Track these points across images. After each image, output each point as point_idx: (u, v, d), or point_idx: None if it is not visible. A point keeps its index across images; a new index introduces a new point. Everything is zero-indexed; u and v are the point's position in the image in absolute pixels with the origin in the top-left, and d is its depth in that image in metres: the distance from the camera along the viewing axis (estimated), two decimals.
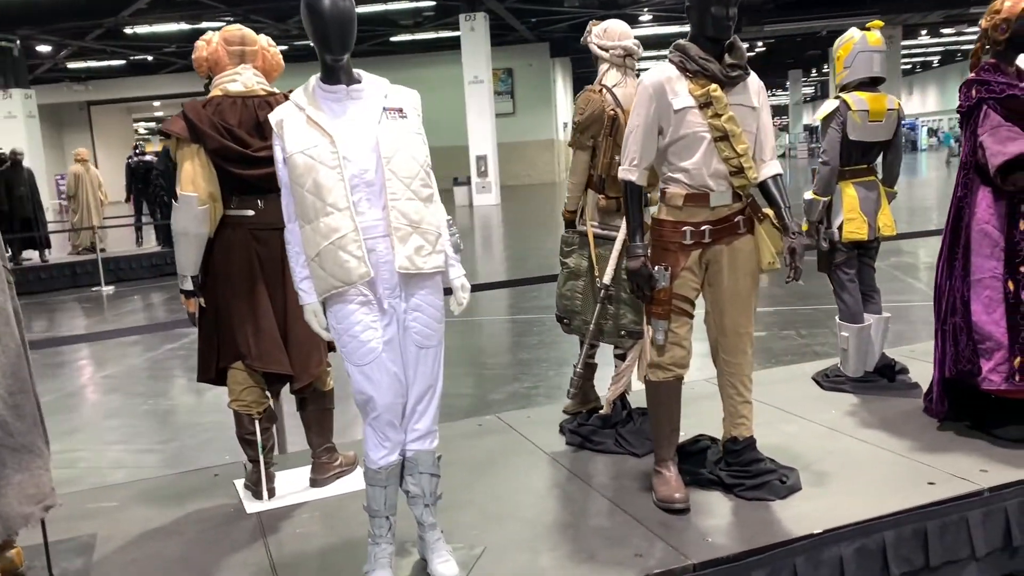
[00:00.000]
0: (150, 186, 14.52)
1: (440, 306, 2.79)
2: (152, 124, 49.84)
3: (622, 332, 3.92)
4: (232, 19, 27.25)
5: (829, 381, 4.59)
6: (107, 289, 13.07)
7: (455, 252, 2.85)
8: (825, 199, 4.39)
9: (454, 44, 25.30)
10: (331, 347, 3.73)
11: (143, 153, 15.15)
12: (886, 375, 4.52)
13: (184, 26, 27.01)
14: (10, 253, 13.45)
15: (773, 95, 57.88)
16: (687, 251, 3.20)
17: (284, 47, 29.54)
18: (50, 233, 14.23)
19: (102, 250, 14.73)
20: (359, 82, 2.78)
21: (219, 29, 3.60)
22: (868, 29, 4.39)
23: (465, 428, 4.40)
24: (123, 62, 33.10)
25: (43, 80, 34.88)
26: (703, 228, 3.18)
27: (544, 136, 33.89)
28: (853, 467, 3.52)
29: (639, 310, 3.90)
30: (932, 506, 3.15)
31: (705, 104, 3.11)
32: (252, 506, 3.51)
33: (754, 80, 3.27)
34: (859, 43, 4.34)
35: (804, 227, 4.50)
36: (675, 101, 3.13)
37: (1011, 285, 3.56)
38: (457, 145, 25.56)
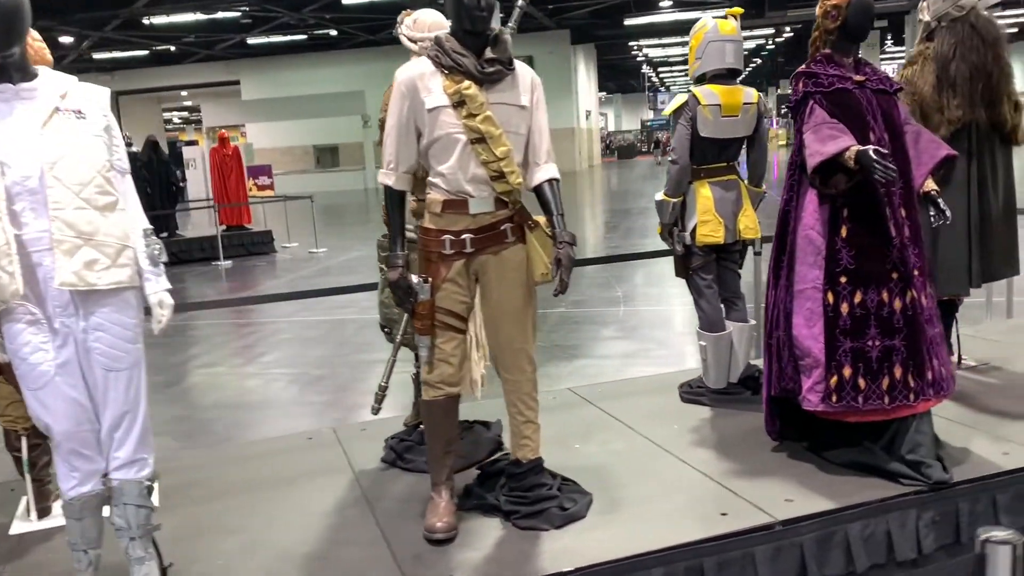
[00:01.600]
0: (135, 178, 14.45)
1: (132, 325, 2.59)
2: (184, 113, 50.30)
3: None
4: (247, 8, 27.37)
5: (689, 392, 4.32)
6: None
7: (153, 265, 2.65)
8: (675, 200, 4.10)
9: None
10: None
11: (130, 144, 15.09)
12: (750, 387, 4.25)
13: (200, 16, 27.13)
14: None
15: None
16: (448, 261, 2.97)
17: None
18: None
19: None
20: (34, 79, 2.56)
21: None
22: (725, 17, 4.09)
23: (293, 442, 4.21)
24: (146, 52, 33.35)
25: (70, 71, 35.14)
26: (464, 237, 2.94)
27: (564, 125, 33.52)
28: (657, 492, 3.27)
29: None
30: (711, 541, 2.89)
31: (459, 103, 2.86)
32: (18, 527, 3.35)
33: (526, 77, 3.01)
34: (710, 32, 4.05)
35: (659, 230, 4.23)
36: (428, 99, 2.89)
37: (831, 297, 3.26)
38: None
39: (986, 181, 4.24)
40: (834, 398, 3.21)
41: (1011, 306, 6.21)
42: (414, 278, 2.98)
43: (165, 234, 14.66)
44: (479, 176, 2.90)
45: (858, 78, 3.38)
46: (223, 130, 15.82)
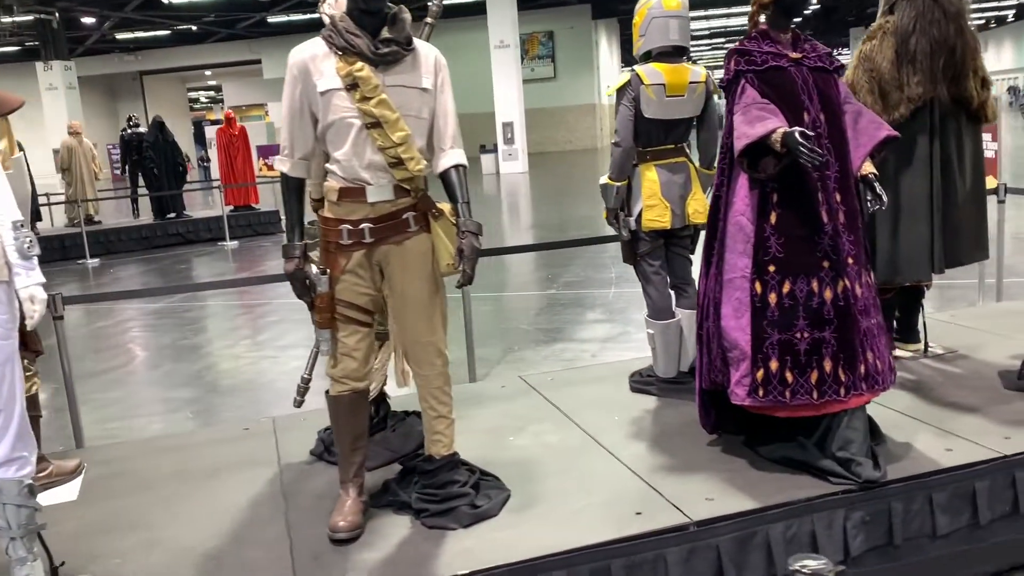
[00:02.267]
0: (142, 158, 14.52)
1: (3, 321, 2.50)
2: (210, 93, 50.43)
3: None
4: None
5: (638, 382, 4.18)
6: (92, 262, 13.15)
7: (23, 259, 2.56)
8: (619, 184, 3.95)
9: (480, 8, 24.76)
10: (38, 352, 3.51)
11: (137, 125, 15.14)
12: None
13: None
14: None
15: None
16: (347, 252, 2.85)
17: None
18: (41, 206, 14.32)
19: (97, 222, 14.90)
20: None
21: None
22: None
23: (229, 432, 4.13)
24: (168, 32, 33.39)
25: (95, 51, 35.52)
26: (363, 226, 2.83)
27: (586, 101, 33.15)
28: (578, 488, 3.15)
29: (383, 309, 3.57)
30: (619, 542, 2.77)
31: (352, 86, 2.74)
32: None
33: (428, 58, 2.88)
34: (654, 8, 3.87)
35: (604, 214, 4.08)
36: (320, 82, 2.77)
37: (759, 287, 3.10)
38: (483, 112, 25.13)
39: (951, 161, 4.04)
40: (761, 392, 3.07)
41: (1001, 289, 5.98)
42: (313, 269, 2.87)
43: (173, 214, 14.70)
44: (376, 163, 2.78)
45: (794, 55, 3.21)
46: (229, 110, 15.76)
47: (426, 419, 3.06)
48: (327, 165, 2.87)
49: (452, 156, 2.89)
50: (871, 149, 3.19)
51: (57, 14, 27.23)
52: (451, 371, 3.05)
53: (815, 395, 3.03)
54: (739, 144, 3.04)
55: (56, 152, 16.23)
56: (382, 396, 3.72)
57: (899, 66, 3.93)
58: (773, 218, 3.11)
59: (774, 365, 3.05)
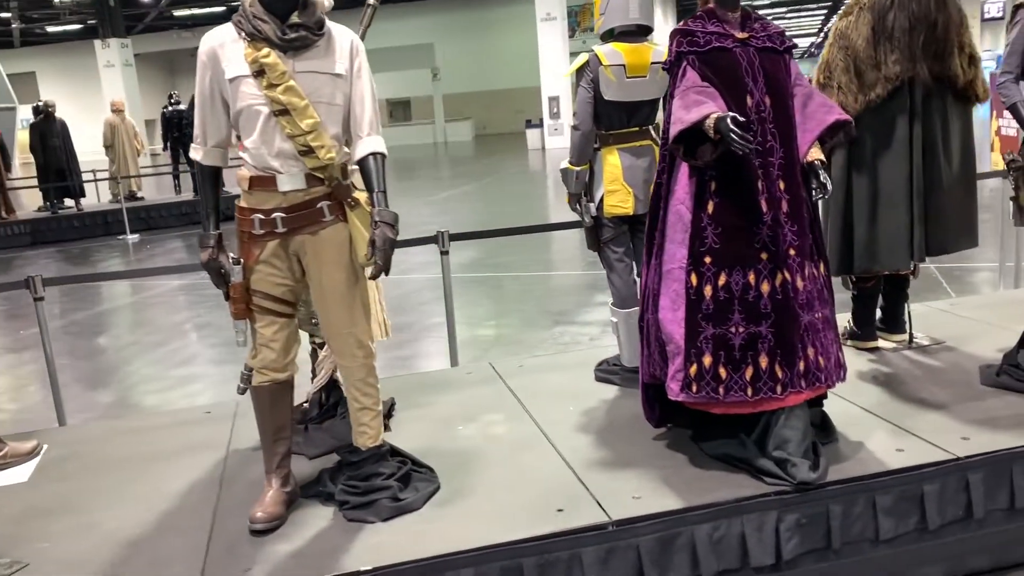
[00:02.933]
0: (182, 135, 14.72)
1: None
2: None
3: (313, 320, 3.57)
4: None
5: (603, 371, 4.09)
6: (132, 237, 13.42)
7: None
8: (579, 169, 3.84)
9: None
10: None
11: (178, 103, 15.35)
12: None
13: None
14: (47, 202, 13.98)
15: None
16: (260, 242, 2.82)
17: None
18: (86, 182, 14.67)
19: (140, 198, 15.19)
20: None
21: None
22: None
23: (190, 416, 4.15)
24: (223, 8, 33.76)
25: (154, 28, 36.13)
26: (274, 216, 2.78)
27: None
28: (508, 482, 3.09)
29: None
30: (532, 540, 2.70)
31: (259, 72, 2.68)
32: None
33: (344, 42, 2.81)
34: None
35: (567, 199, 3.97)
36: (228, 68, 2.72)
37: (694, 279, 2.98)
38: (529, 86, 24.95)
39: (935, 144, 3.84)
40: (694, 388, 2.96)
41: (1020, 274, 5.73)
42: (229, 258, 2.84)
43: None
44: (286, 151, 2.73)
45: (740, 35, 3.06)
46: None
47: (351, 410, 3.02)
48: (240, 153, 2.83)
49: (369, 143, 2.82)
50: (819, 134, 3.03)
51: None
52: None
53: (750, 392, 2.91)
54: (674, 130, 2.92)
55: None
56: (334, 383, 3.69)
57: (876, 43, 3.74)
58: (710, 207, 2.98)
59: (707, 360, 2.94)
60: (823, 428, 3.24)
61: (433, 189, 17.63)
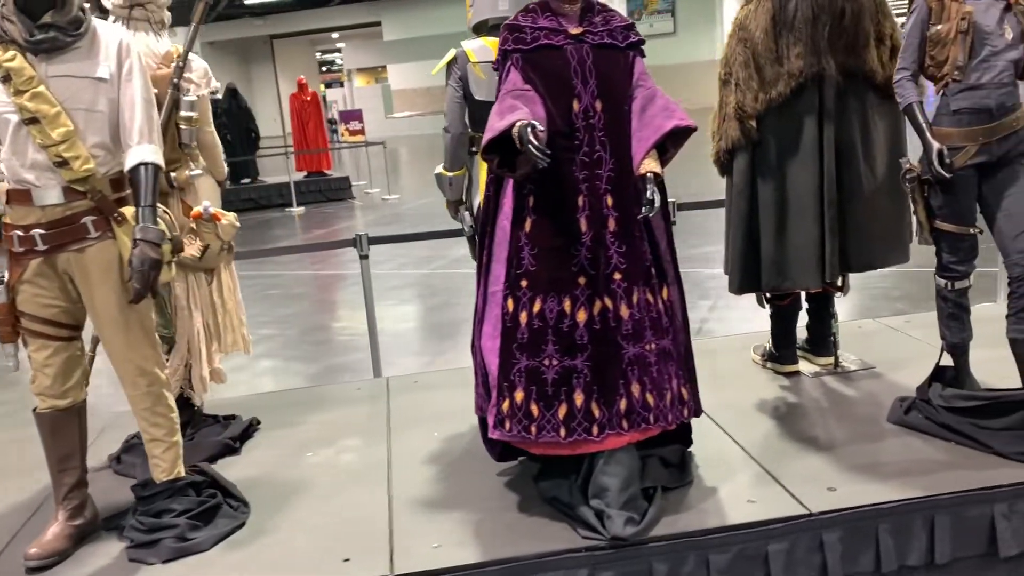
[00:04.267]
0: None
1: None
2: (335, 56, 51.34)
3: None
4: None
5: None
6: None
7: None
8: (454, 174, 3.54)
9: None
10: None
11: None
12: None
13: None
14: None
15: None
16: (22, 260, 2.61)
17: None
18: None
19: None
20: None
21: None
22: None
23: None
24: None
25: (227, 16, 36.74)
26: (33, 233, 2.57)
27: (707, 57, 31.67)
28: (317, 524, 2.84)
29: (163, 312, 3.34)
30: None
31: (5, 78, 2.47)
32: None
33: (110, 44, 2.58)
34: None
35: (445, 206, 3.68)
36: None
37: (511, 304, 2.67)
38: None
39: (852, 147, 3.42)
40: (507, 425, 2.65)
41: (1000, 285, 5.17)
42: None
43: (248, 180, 14.94)
44: (40, 162, 2.51)
45: (575, 31, 2.72)
46: (301, 76, 15.85)
47: (144, 441, 2.81)
48: None
49: (138, 153, 2.58)
50: (655, 142, 2.66)
51: None
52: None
53: (563, 433, 2.59)
54: (484, 139, 2.60)
55: None
56: (183, 402, 3.48)
57: (776, 35, 3.34)
58: (528, 225, 2.67)
59: (519, 396, 2.63)
60: (680, 468, 2.90)
61: None
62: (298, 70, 42.12)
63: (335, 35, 42.77)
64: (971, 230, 2.94)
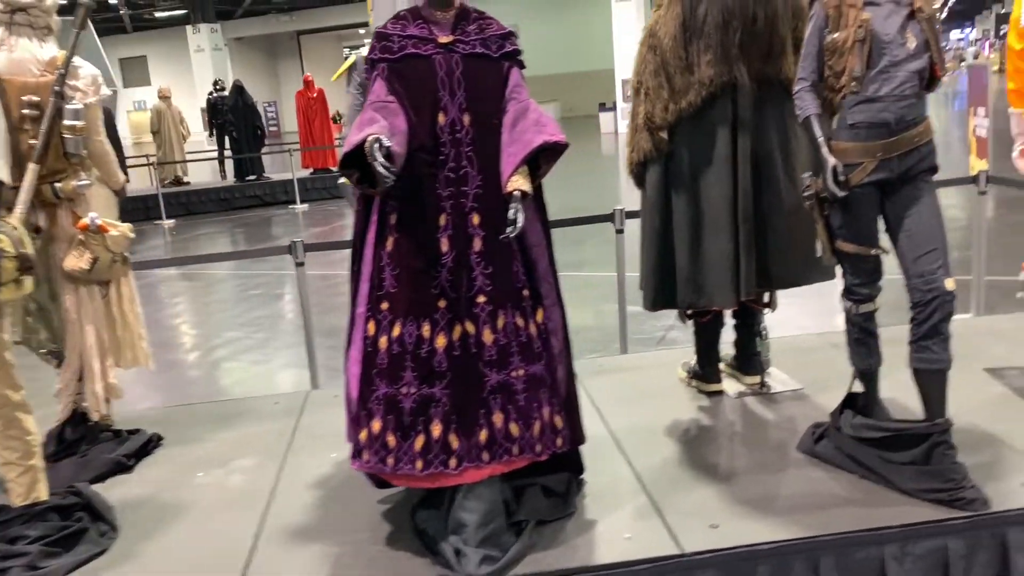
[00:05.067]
0: (224, 122, 14.83)
1: None
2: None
3: (42, 350, 3.31)
4: None
5: None
6: (168, 222, 13.60)
7: None
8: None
9: None
10: None
11: (223, 89, 15.46)
12: None
13: None
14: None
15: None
16: None
17: None
18: (131, 167, 14.92)
19: (186, 183, 15.40)
20: None
21: None
22: None
23: None
24: None
25: (253, 12, 36.91)
26: None
27: None
28: (174, 556, 2.73)
29: (50, 325, 3.26)
30: None
31: None
32: None
33: None
34: None
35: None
36: None
37: (372, 327, 2.54)
38: (603, 69, 24.23)
39: (771, 159, 3.26)
40: (365, 456, 2.53)
41: (980, 301, 4.97)
42: None
43: (253, 176, 14.95)
44: None
45: (444, 39, 2.58)
46: (308, 74, 15.81)
47: None
48: None
49: None
50: (524, 158, 2.51)
51: None
52: None
53: (419, 465, 2.46)
54: (341, 154, 2.48)
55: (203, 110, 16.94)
56: (80, 416, 3.40)
57: (686, 42, 3.18)
58: (389, 244, 2.54)
59: (376, 425, 2.50)
60: (564, 498, 2.76)
61: None
62: (325, 66, 42.28)
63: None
64: (872, 251, 2.76)
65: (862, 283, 2.80)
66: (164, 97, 15.10)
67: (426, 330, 2.46)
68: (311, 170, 15.18)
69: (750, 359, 3.66)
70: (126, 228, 3.30)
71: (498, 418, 2.48)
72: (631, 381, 3.92)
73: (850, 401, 2.98)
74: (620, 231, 4.61)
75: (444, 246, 2.48)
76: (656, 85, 3.22)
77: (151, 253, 11.59)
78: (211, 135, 15.71)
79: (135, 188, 14.94)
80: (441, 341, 2.46)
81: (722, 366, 3.74)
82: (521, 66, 2.68)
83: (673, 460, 3.07)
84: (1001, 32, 43.64)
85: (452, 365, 2.46)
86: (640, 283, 3.48)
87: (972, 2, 52.52)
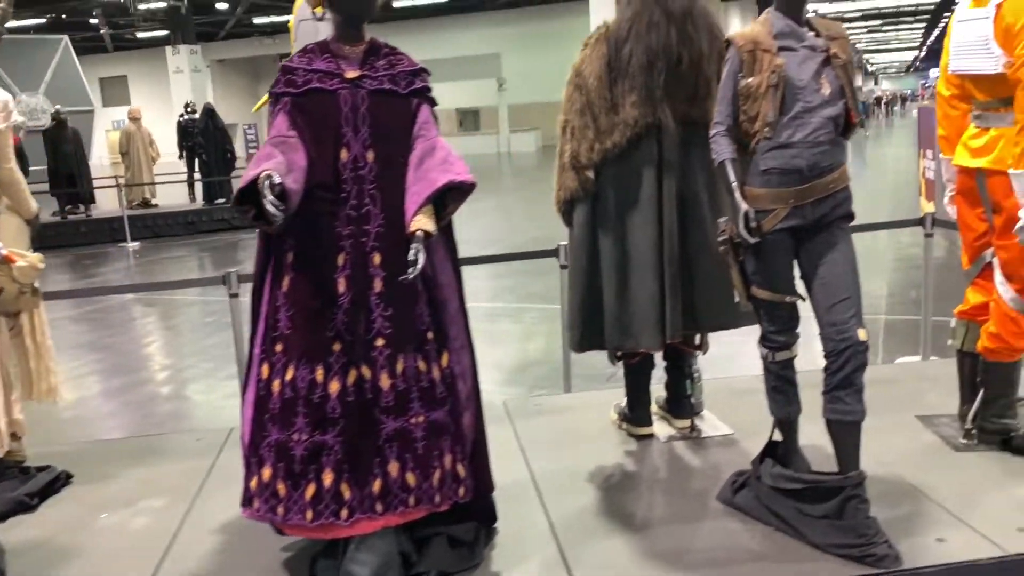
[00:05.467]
0: (193, 144, 14.75)
1: None
2: None
3: None
4: None
5: None
6: (133, 245, 13.47)
7: None
8: None
9: None
10: None
11: (193, 111, 15.38)
12: None
13: None
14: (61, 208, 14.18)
15: None
16: None
17: None
18: (96, 188, 14.83)
19: (154, 205, 15.29)
20: None
21: None
22: None
23: None
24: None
25: (237, 35, 36.95)
26: None
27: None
28: None
29: None
30: None
31: None
32: None
33: None
34: (301, 10, 3.25)
35: None
36: None
37: (266, 370, 2.46)
38: None
39: (697, 200, 3.21)
40: (255, 504, 2.44)
41: (927, 343, 4.93)
42: None
43: (222, 200, 14.84)
44: None
45: (351, 74, 2.52)
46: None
47: None
48: None
49: None
50: (428, 198, 2.44)
51: (186, 0, 28.35)
52: None
53: (309, 515, 2.37)
54: (236, 190, 2.40)
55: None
56: None
57: (611, 82, 3.13)
58: (285, 284, 2.46)
59: (267, 472, 2.41)
60: (471, 548, 2.66)
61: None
62: None
63: None
64: (787, 298, 2.70)
65: (778, 330, 2.75)
66: (134, 119, 15.02)
67: (320, 374, 2.38)
68: None
69: (680, 402, 3.60)
70: (35, 259, 3.20)
71: (394, 467, 2.39)
72: (565, 422, 3.84)
73: (770, 450, 2.91)
74: (564, 267, 4.54)
75: (341, 286, 2.40)
76: (582, 125, 3.18)
77: (113, 276, 11.48)
78: (181, 157, 15.60)
79: (104, 210, 14.88)
80: (335, 386, 2.38)
81: (655, 408, 3.68)
82: (432, 103, 2.62)
83: (590, 508, 2.99)
84: None
85: (346, 411, 2.37)
86: (568, 323, 3.41)
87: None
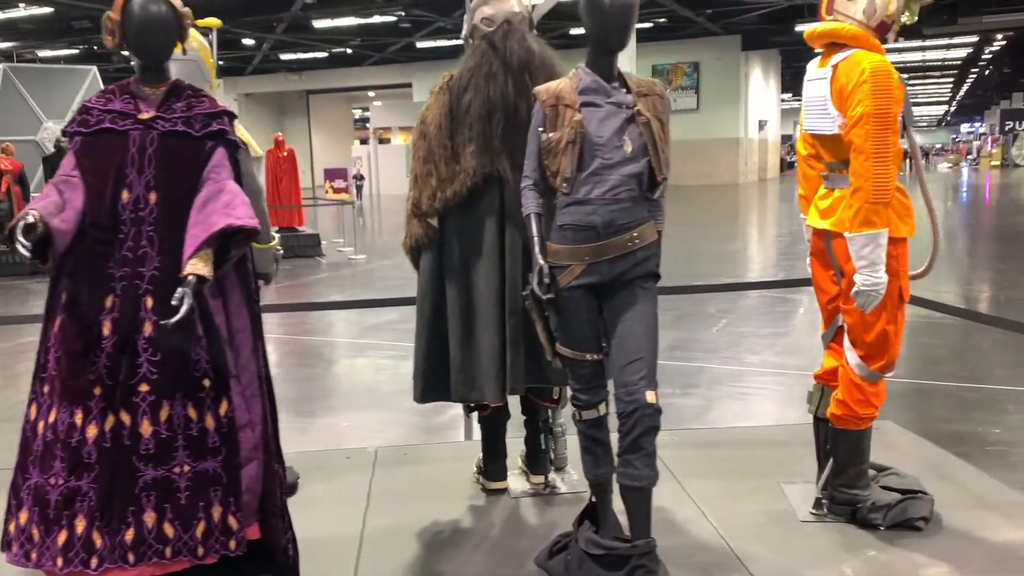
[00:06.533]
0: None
1: None
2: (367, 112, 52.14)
3: None
4: (402, 13, 27.69)
5: None
6: None
7: None
8: None
9: None
10: None
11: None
12: None
13: (359, 20, 27.77)
14: None
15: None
16: None
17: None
18: None
19: None
20: None
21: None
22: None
23: None
24: (326, 54, 34.74)
25: (264, 70, 37.57)
26: None
27: (728, 135, 31.65)
28: None
29: None
30: None
31: None
32: None
33: None
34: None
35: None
36: None
37: (34, 410, 2.41)
38: None
39: None
40: (13, 548, 2.38)
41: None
42: None
43: None
44: None
45: (146, 115, 2.50)
46: (278, 134, 15.95)
47: None
48: None
49: None
50: (203, 241, 2.40)
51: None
52: None
53: (60, 563, 2.30)
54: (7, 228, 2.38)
55: None
56: None
57: (452, 131, 3.10)
58: (56, 324, 2.42)
59: (24, 516, 2.36)
60: None
61: None
62: (332, 125, 42.99)
63: (371, 93, 43.50)
64: (588, 356, 2.62)
65: (581, 388, 2.67)
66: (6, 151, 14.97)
67: (79, 418, 2.33)
68: (276, 228, 15.16)
69: (537, 457, 3.51)
70: None
71: (149, 517, 2.33)
72: (426, 474, 3.75)
73: (589, 512, 2.82)
74: None
75: (106, 329, 2.36)
76: (425, 172, 3.14)
77: None
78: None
79: None
80: (92, 431, 2.33)
81: (518, 463, 3.59)
82: (231, 146, 2.59)
83: (401, 567, 2.90)
84: (1006, 127, 43.90)
85: (101, 457, 2.32)
86: (412, 372, 3.34)
87: (983, 97, 53.03)
